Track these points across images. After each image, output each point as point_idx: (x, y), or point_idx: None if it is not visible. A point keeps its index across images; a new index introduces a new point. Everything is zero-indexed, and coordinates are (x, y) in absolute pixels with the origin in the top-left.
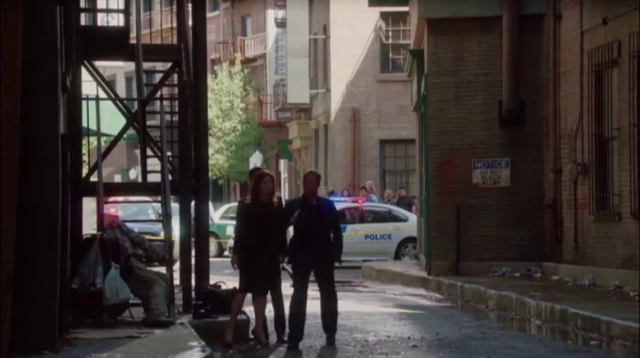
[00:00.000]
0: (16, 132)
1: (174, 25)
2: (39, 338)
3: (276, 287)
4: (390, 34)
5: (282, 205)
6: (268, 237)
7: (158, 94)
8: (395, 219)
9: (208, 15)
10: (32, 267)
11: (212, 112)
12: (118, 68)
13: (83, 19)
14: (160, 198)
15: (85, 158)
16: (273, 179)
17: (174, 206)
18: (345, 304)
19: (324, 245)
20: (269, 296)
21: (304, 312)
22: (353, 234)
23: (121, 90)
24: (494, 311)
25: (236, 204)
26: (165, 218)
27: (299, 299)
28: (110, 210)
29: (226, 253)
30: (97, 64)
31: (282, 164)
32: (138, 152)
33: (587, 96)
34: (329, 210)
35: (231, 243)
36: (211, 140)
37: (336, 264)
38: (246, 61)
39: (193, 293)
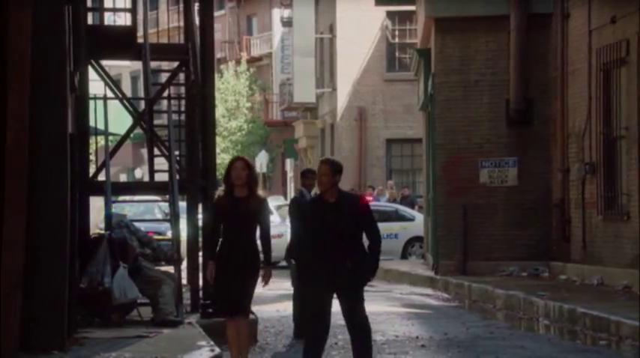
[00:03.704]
0: (25, 132)
1: (181, 24)
2: (47, 337)
3: (243, 315)
4: (397, 33)
5: (266, 205)
6: (240, 242)
7: (165, 94)
8: (402, 218)
9: (214, 14)
10: (41, 267)
11: (218, 111)
12: (123, 67)
13: (90, 19)
14: (167, 198)
15: (91, 157)
16: (250, 165)
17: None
18: None
19: (349, 260)
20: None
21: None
22: None
23: (127, 90)
24: (502, 310)
25: None
26: (173, 217)
27: (315, 321)
28: None
29: None
30: (103, 63)
31: (288, 163)
32: (143, 151)
33: (595, 95)
34: (355, 208)
35: None
36: (217, 139)
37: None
38: (251, 60)
39: (201, 293)
